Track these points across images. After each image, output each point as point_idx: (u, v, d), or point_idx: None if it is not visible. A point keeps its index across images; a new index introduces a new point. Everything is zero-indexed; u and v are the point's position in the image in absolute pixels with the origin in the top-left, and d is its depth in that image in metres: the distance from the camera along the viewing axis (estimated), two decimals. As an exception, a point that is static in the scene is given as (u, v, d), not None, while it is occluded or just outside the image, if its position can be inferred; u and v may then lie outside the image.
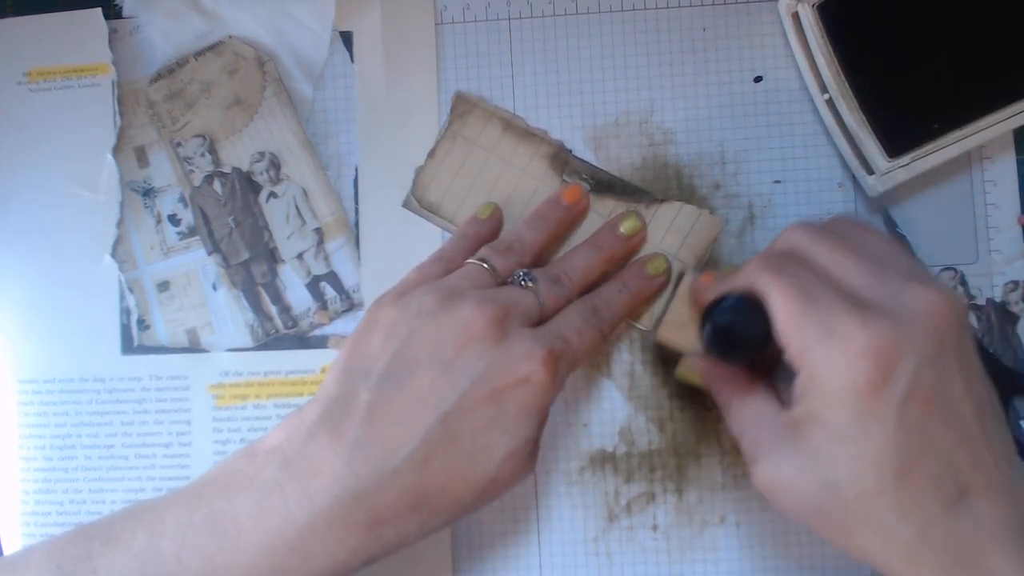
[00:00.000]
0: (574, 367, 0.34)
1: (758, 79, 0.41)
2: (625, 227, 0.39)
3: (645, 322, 0.40)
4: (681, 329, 0.38)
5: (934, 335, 0.27)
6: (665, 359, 0.40)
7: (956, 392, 0.27)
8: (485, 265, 0.36)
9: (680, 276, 0.39)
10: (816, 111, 0.40)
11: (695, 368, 0.36)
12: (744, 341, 0.30)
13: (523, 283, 0.35)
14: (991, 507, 0.27)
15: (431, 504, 0.31)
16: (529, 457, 0.33)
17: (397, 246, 0.41)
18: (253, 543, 0.30)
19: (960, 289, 0.40)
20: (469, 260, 0.36)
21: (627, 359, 0.41)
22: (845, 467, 0.28)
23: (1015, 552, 0.27)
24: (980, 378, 0.29)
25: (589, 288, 0.37)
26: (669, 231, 0.40)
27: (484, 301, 0.33)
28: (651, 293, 0.39)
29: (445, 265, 0.36)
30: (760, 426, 0.31)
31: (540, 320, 0.35)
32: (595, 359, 0.41)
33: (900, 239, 0.40)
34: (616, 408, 0.41)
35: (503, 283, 0.36)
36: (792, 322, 0.28)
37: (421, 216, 0.42)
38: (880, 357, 0.27)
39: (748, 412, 0.32)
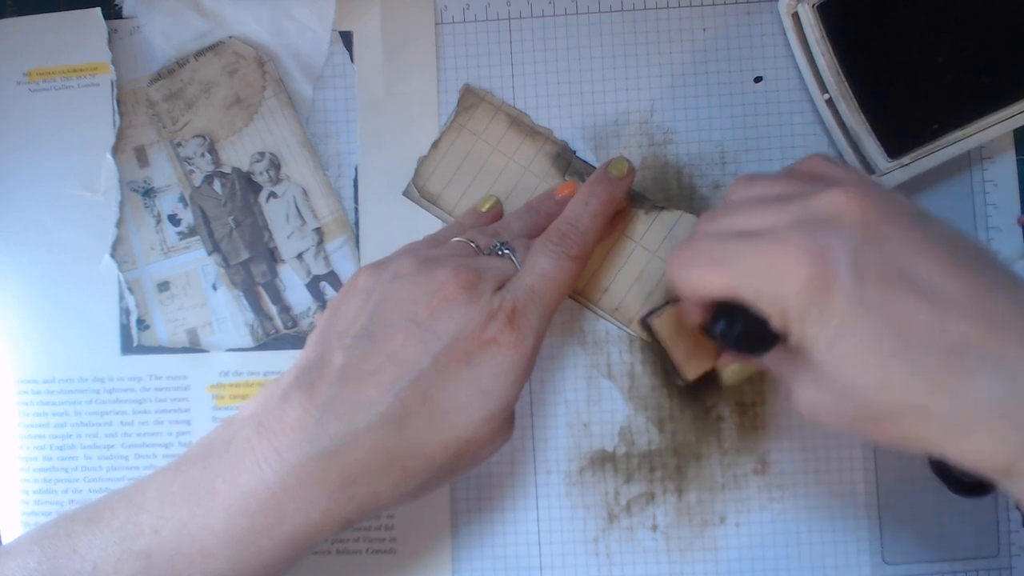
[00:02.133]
0: (549, 311, 0.34)
1: (758, 79, 0.41)
2: (615, 169, 0.38)
3: (636, 327, 0.40)
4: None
5: (854, 225, 0.28)
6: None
7: (910, 261, 0.27)
8: (471, 244, 0.36)
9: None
10: (816, 111, 0.40)
11: (737, 366, 0.37)
12: (758, 335, 0.30)
13: (500, 252, 0.35)
14: (1000, 348, 0.26)
15: (405, 463, 0.31)
16: (508, 420, 0.33)
17: (397, 246, 0.41)
18: (225, 506, 0.30)
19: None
20: (454, 239, 0.36)
21: (627, 359, 0.41)
22: (847, 368, 0.28)
23: None
24: (918, 219, 0.29)
25: None
26: (667, 238, 0.40)
27: (459, 266, 0.33)
28: (618, 197, 0.38)
29: (435, 245, 0.36)
30: (785, 364, 0.31)
31: None
32: (595, 359, 0.41)
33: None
34: (616, 408, 0.41)
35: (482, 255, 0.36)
36: (735, 287, 0.29)
37: (421, 206, 0.42)
38: (812, 257, 0.27)
39: (779, 359, 0.32)
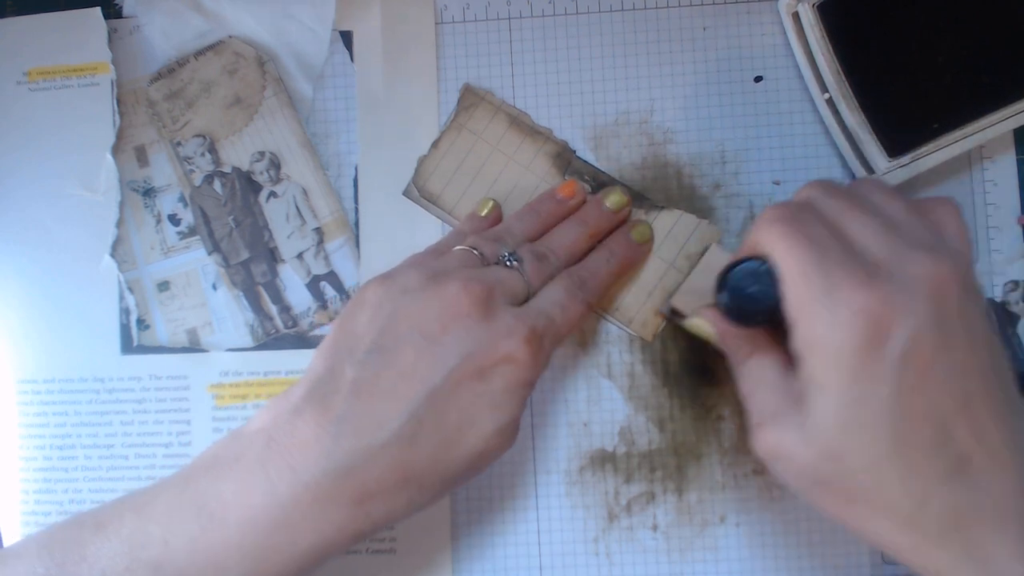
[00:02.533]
0: (559, 341, 0.35)
1: (758, 79, 0.41)
2: (610, 201, 0.39)
3: (637, 327, 0.40)
4: (698, 298, 0.37)
5: (935, 301, 0.26)
6: (675, 336, 0.40)
7: (957, 359, 0.27)
8: (474, 252, 0.36)
9: (705, 250, 0.39)
10: (816, 111, 0.40)
11: (709, 321, 0.35)
12: (758, 304, 0.30)
13: (508, 263, 0.35)
14: (992, 481, 0.27)
15: (419, 479, 0.32)
16: (515, 431, 0.33)
17: (397, 246, 0.41)
18: (238, 521, 0.30)
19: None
20: (457, 247, 0.36)
21: (627, 359, 0.41)
22: (846, 435, 0.27)
23: (1015, 532, 0.26)
24: (986, 346, 0.28)
25: (574, 263, 0.38)
26: (667, 238, 0.40)
27: (469, 280, 0.33)
28: (637, 260, 0.40)
29: (438, 256, 0.36)
30: (768, 390, 0.30)
31: (526, 297, 0.35)
32: (595, 359, 0.41)
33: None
34: (616, 408, 0.41)
35: (489, 265, 0.36)
36: (797, 275, 0.28)
37: (421, 206, 0.42)
38: (877, 318, 0.26)
39: (757, 375, 0.31)
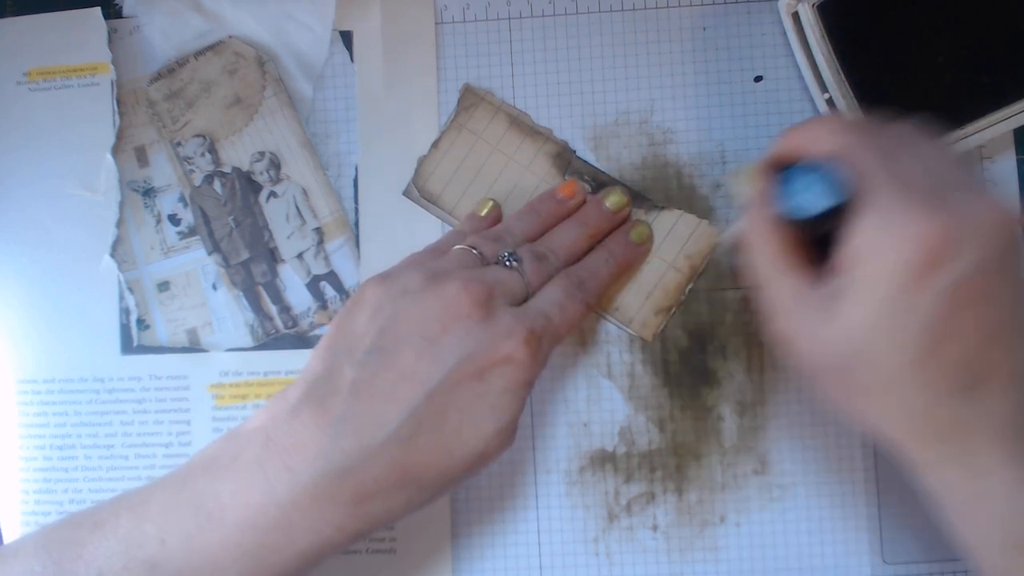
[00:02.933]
0: (558, 341, 0.35)
1: (758, 79, 0.41)
2: (610, 202, 0.39)
3: (637, 327, 0.40)
4: None
5: (993, 243, 0.27)
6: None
7: (998, 293, 0.27)
8: (474, 251, 0.36)
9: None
10: (816, 111, 0.40)
11: (751, 173, 0.33)
12: (816, 213, 0.29)
13: (508, 263, 0.35)
14: (1002, 400, 0.28)
15: (418, 479, 0.32)
16: (514, 432, 0.33)
17: (397, 246, 0.41)
18: (236, 521, 0.30)
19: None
20: (457, 246, 0.36)
21: (627, 359, 0.41)
22: (873, 339, 0.28)
23: (1008, 442, 0.28)
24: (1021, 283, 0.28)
25: (574, 263, 0.38)
26: (667, 238, 0.40)
27: (469, 281, 0.33)
28: (636, 261, 0.40)
29: (437, 256, 0.37)
30: (795, 291, 0.30)
31: (525, 297, 0.35)
32: (595, 359, 0.41)
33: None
34: (616, 408, 0.41)
35: (489, 265, 0.36)
36: (872, 183, 0.28)
37: (421, 206, 0.42)
38: (936, 247, 0.26)
39: (787, 278, 0.31)
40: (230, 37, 0.43)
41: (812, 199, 0.29)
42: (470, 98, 0.42)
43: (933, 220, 0.27)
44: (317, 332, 0.42)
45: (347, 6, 0.42)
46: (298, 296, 0.42)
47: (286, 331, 0.42)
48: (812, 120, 0.31)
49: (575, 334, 0.41)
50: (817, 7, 0.38)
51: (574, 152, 0.42)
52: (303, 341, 0.42)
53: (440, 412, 0.31)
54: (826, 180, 0.29)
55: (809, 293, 0.30)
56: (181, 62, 0.43)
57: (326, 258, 0.42)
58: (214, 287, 0.42)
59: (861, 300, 0.28)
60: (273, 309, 0.42)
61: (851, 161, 0.29)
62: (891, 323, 0.27)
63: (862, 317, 0.28)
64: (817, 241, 0.30)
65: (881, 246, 0.27)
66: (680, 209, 0.41)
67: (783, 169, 0.31)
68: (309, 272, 0.42)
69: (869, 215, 0.28)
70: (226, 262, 0.42)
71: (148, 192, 0.43)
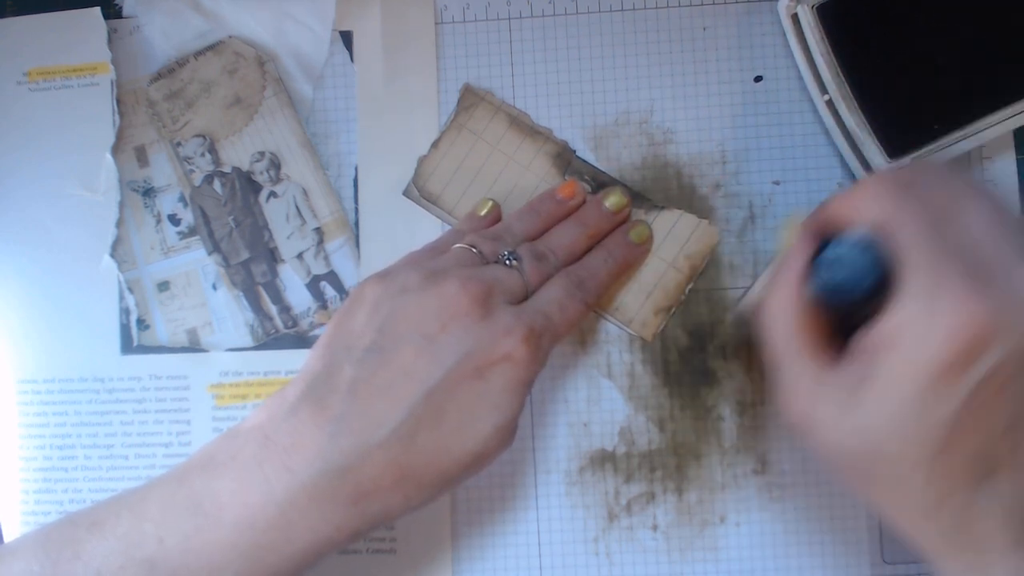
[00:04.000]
0: (558, 341, 0.35)
1: (758, 79, 0.41)
2: (610, 202, 0.39)
3: (637, 327, 0.40)
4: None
5: None
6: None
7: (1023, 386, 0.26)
8: (473, 250, 0.36)
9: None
10: (816, 111, 0.40)
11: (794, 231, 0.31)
12: (852, 293, 0.27)
13: (508, 262, 0.35)
14: (1011, 487, 0.27)
15: (417, 478, 0.31)
16: (513, 431, 0.33)
17: (397, 246, 0.41)
18: (234, 520, 0.30)
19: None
20: (456, 245, 0.36)
21: (627, 359, 0.41)
22: (894, 430, 0.26)
23: (1014, 535, 0.26)
24: None
25: (573, 263, 0.38)
26: (668, 238, 0.40)
27: (468, 279, 0.33)
28: (635, 261, 0.40)
29: (436, 255, 0.36)
30: (816, 376, 0.29)
31: (525, 296, 0.35)
32: (595, 359, 0.41)
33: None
34: (616, 408, 0.41)
35: (488, 264, 0.36)
36: (910, 258, 0.26)
37: (421, 206, 0.42)
38: (974, 338, 0.25)
39: (808, 362, 0.29)
40: (230, 37, 0.43)
41: (849, 281, 0.27)
42: (470, 98, 0.42)
43: (974, 308, 0.25)
44: (317, 332, 0.42)
45: (347, 6, 0.42)
46: (298, 296, 0.42)
47: (286, 331, 0.42)
48: (860, 183, 0.29)
49: (575, 334, 0.41)
50: (816, 8, 0.38)
51: (574, 152, 0.42)
52: (303, 341, 0.42)
53: (439, 411, 0.31)
54: (865, 259, 0.27)
55: (831, 378, 0.28)
56: (181, 62, 0.43)
57: (326, 258, 0.42)
58: (214, 287, 0.42)
59: (888, 392, 0.26)
60: (273, 309, 0.42)
61: (892, 233, 0.27)
62: (916, 419, 0.26)
63: (887, 411, 0.26)
64: (844, 315, 0.29)
65: (915, 333, 0.25)
66: (680, 209, 0.41)
67: (823, 241, 0.28)
68: (309, 272, 0.42)
69: (906, 297, 0.26)
70: (226, 262, 0.42)
71: (148, 192, 0.43)
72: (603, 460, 0.41)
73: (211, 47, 0.43)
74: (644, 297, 0.40)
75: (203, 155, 0.43)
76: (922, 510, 0.27)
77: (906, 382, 0.26)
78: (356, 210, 0.42)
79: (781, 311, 0.30)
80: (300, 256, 0.42)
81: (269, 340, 0.42)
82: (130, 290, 0.42)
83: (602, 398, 0.41)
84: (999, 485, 0.27)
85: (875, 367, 0.27)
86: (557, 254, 0.37)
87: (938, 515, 0.27)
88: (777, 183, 0.41)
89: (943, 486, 0.27)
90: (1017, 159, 0.40)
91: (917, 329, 0.25)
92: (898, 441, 0.27)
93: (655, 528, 0.40)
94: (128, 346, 0.42)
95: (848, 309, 0.28)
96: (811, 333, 0.29)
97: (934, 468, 0.26)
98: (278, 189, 0.42)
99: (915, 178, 0.28)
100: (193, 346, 0.42)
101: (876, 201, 0.27)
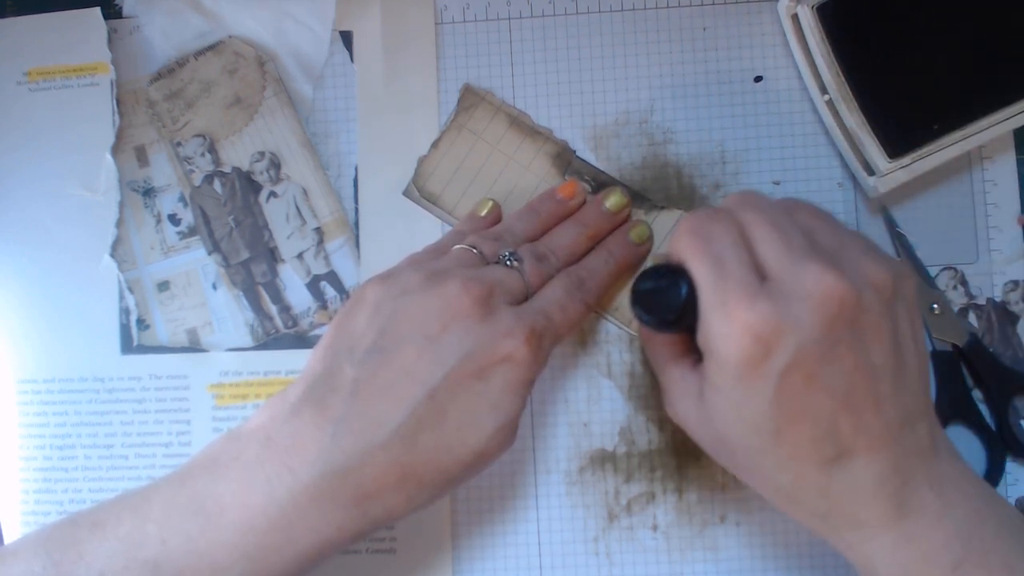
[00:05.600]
0: (558, 341, 0.35)
1: (758, 79, 0.41)
2: (610, 202, 0.39)
3: (637, 327, 0.40)
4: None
5: (821, 317, 0.28)
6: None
7: (845, 366, 0.28)
8: (474, 251, 0.36)
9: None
10: (816, 111, 0.40)
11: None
12: (661, 309, 0.31)
13: (508, 263, 0.35)
14: (868, 467, 0.29)
15: (419, 478, 0.32)
16: (514, 431, 0.33)
17: (397, 246, 0.41)
18: (236, 521, 0.31)
19: (960, 288, 0.40)
20: (457, 246, 0.36)
21: (627, 359, 0.41)
22: (731, 427, 0.30)
23: (886, 506, 0.29)
24: (886, 350, 0.29)
25: (574, 263, 0.38)
26: (667, 238, 0.40)
27: (469, 280, 0.33)
28: (635, 261, 0.40)
29: (437, 255, 0.37)
30: (679, 379, 0.33)
31: (525, 297, 0.35)
32: (595, 359, 0.41)
33: (900, 239, 0.40)
34: (616, 408, 0.41)
35: (489, 264, 0.36)
36: (700, 287, 0.30)
37: (421, 206, 0.42)
38: (759, 337, 0.28)
39: (671, 368, 0.34)
40: (230, 37, 0.43)
41: (655, 306, 0.32)
42: (470, 98, 0.42)
43: (752, 310, 0.28)
44: (317, 332, 0.42)
45: (347, 6, 0.42)
46: (298, 296, 0.42)
47: (286, 331, 0.42)
48: (678, 221, 0.35)
49: (575, 334, 0.41)
50: (816, 9, 0.38)
51: (574, 152, 0.42)
52: (303, 341, 0.42)
53: (440, 411, 0.31)
54: (668, 289, 0.31)
55: (688, 380, 0.33)
56: (181, 62, 0.43)
57: (326, 258, 0.42)
58: (214, 287, 0.42)
59: (714, 390, 0.30)
60: (273, 309, 0.42)
61: (687, 264, 0.30)
62: (740, 410, 0.29)
63: (720, 407, 0.30)
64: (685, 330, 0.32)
65: (715, 340, 0.29)
66: (680, 209, 0.41)
67: (640, 275, 0.33)
68: (309, 272, 0.42)
69: (705, 313, 0.29)
70: (226, 262, 0.42)
71: (148, 192, 0.43)
72: (603, 460, 0.41)
73: (211, 47, 0.43)
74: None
75: (203, 155, 0.43)
76: (785, 493, 0.31)
77: (722, 381, 0.30)
78: (356, 210, 0.42)
79: (645, 331, 0.36)
80: (300, 256, 0.42)
81: (269, 340, 0.42)
82: (130, 290, 0.42)
83: (602, 398, 0.41)
84: (855, 468, 0.29)
85: (704, 370, 0.31)
86: (558, 254, 0.37)
87: (801, 497, 0.31)
88: (777, 183, 0.41)
89: (793, 469, 0.30)
90: (1017, 159, 0.40)
91: (715, 336, 0.29)
92: (736, 430, 0.30)
93: (655, 528, 0.40)
94: (128, 346, 0.42)
95: (665, 328, 0.32)
96: (671, 346, 0.34)
97: (777, 454, 0.30)
98: (278, 189, 0.42)
99: (715, 213, 0.31)
100: (193, 346, 0.42)
101: (680, 238, 0.31)
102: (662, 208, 0.41)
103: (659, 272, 0.32)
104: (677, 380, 0.33)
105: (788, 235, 0.30)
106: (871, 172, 0.39)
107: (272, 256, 0.42)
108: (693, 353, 0.33)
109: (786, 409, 0.29)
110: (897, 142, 0.38)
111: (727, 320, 0.28)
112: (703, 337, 0.30)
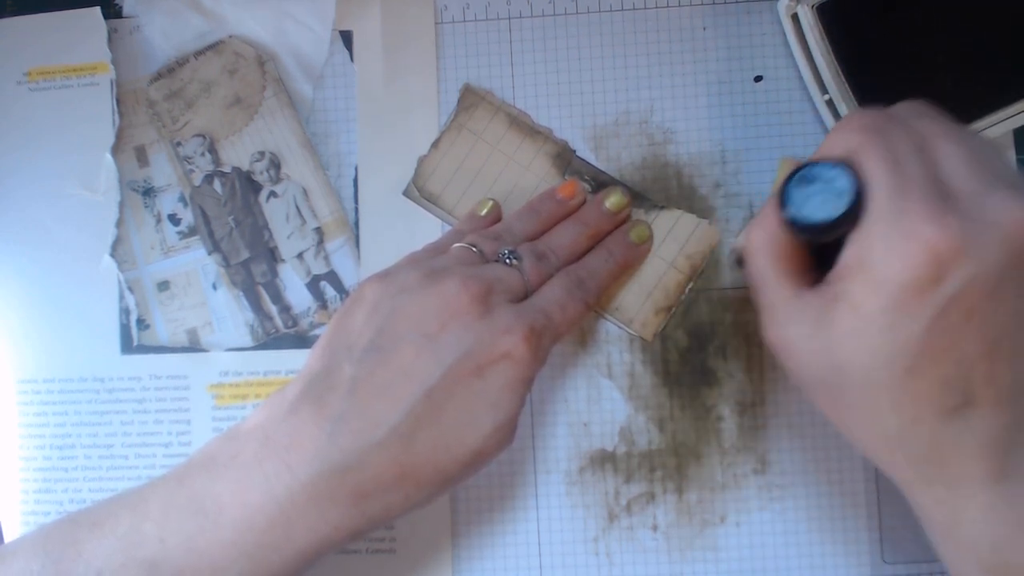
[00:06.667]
0: (558, 340, 0.35)
1: (758, 79, 0.41)
2: (610, 202, 0.39)
3: (637, 327, 0.40)
4: None
5: (1007, 249, 0.25)
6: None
7: (1006, 309, 0.26)
8: (473, 249, 0.36)
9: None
10: (816, 111, 0.40)
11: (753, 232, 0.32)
12: (819, 208, 0.28)
13: (508, 261, 0.35)
14: (989, 420, 0.26)
15: (417, 477, 0.31)
16: (513, 430, 0.33)
17: (397, 246, 0.41)
18: (235, 520, 0.30)
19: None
20: (457, 244, 0.36)
21: (627, 359, 0.41)
22: (859, 356, 0.27)
23: (990, 465, 0.27)
24: None
25: (574, 263, 0.38)
26: (667, 238, 0.40)
27: (468, 278, 0.33)
28: (635, 261, 0.40)
29: (436, 254, 0.36)
30: (792, 299, 0.29)
31: (525, 296, 0.35)
32: (595, 359, 0.41)
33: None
34: (616, 408, 0.41)
35: (488, 263, 0.36)
36: (878, 192, 0.26)
37: (421, 206, 0.42)
38: (938, 257, 0.25)
39: (783, 286, 0.30)
40: (230, 37, 0.43)
41: (814, 207, 0.28)
42: (470, 98, 0.42)
43: (938, 229, 0.25)
44: (317, 332, 0.42)
45: (347, 6, 0.42)
46: (298, 296, 0.42)
47: (286, 331, 0.42)
48: (844, 117, 0.30)
49: (575, 334, 0.41)
50: (816, 8, 0.38)
51: (574, 152, 0.42)
52: (303, 341, 0.42)
53: (439, 409, 0.31)
54: (830, 188, 0.27)
55: (803, 301, 0.29)
56: (181, 62, 0.43)
57: (326, 258, 0.42)
58: (214, 287, 0.42)
59: (854, 311, 0.27)
60: (273, 309, 0.42)
61: (860, 162, 0.27)
62: (881, 338, 0.26)
63: (853, 330, 0.27)
64: (829, 248, 0.29)
65: (880, 254, 0.26)
66: (680, 209, 0.41)
67: (795, 172, 0.29)
68: (309, 272, 0.42)
69: (872, 221, 0.26)
70: (226, 262, 0.42)
71: (148, 192, 0.43)
72: (603, 460, 0.41)
73: (211, 47, 0.43)
74: (644, 297, 0.40)
75: (203, 155, 0.43)
76: (889, 437, 0.28)
77: (871, 301, 0.26)
78: (356, 210, 0.42)
79: (760, 239, 0.30)
80: (300, 256, 0.42)
81: (269, 340, 0.42)
82: (130, 290, 0.42)
83: (602, 398, 0.41)
84: (973, 419, 0.26)
85: (844, 288, 0.27)
86: (558, 254, 0.37)
87: (906, 443, 0.27)
88: (777, 183, 0.41)
89: (910, 412, 0.27)
90: (1017, 159, 0.40)
91: (882, 250, 0.26)
92: (864, 360, 0.27)
93: (655, 528, 0.40)
94: (128, 346, 0.42)
95: (820, 235, 0.28)
96: (788, 261, 0.30)
97: (901, 392, 0.27)
98: (278, 189, 0.42)
99: (890, 114, 0.28)
100: (193, 346, 0.42)
101: (849, 134, 0.28)
102: (662, 208, 0.41)
103: (815, 169, 0.28)
104: (790, 299, 0.29)
105: (978, 155, 0.27)
106: (871, 172, 0.39)
107: (272, 256, 0.42)
108: (810, 271, 0.30)
109: (933, 344, 0.25)
110: (897, 142, 0.38)
111: (904, 233, 0.25)
112: (858, 250, 0.26)
